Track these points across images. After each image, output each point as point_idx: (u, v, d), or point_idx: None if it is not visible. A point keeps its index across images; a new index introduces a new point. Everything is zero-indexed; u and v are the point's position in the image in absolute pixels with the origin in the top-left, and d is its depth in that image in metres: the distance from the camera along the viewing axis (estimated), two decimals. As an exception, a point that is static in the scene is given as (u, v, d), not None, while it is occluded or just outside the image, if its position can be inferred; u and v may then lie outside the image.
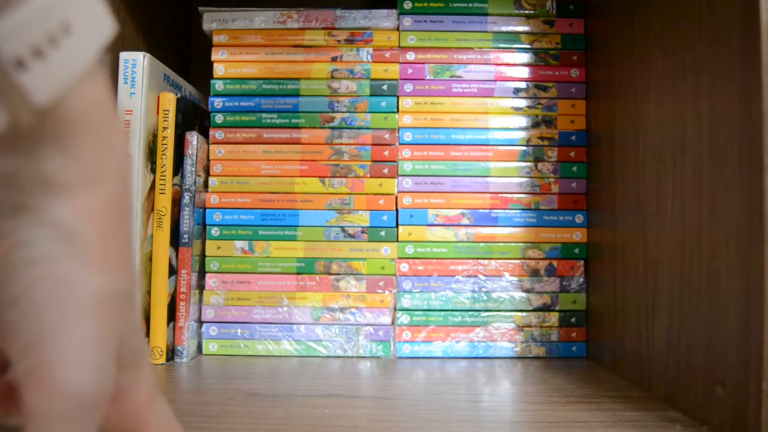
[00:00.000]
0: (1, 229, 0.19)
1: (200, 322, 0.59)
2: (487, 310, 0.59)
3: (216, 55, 0.61)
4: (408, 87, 0.61)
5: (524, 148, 0.60)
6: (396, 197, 0.60)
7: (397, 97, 0.61)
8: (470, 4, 0.61)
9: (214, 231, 0.59)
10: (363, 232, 0.59)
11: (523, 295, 0.59)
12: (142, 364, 0.23)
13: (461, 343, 0.58)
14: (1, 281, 0.19)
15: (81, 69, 0.20)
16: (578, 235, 0.60)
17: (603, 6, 0.57)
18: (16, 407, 0.24)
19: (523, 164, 0.60)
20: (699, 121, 0.39)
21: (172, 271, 0.54)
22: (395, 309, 0.59)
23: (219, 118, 0.60)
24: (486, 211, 0.60)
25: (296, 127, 0.60)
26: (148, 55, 0.53)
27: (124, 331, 0.22)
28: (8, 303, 0.19)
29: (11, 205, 0.19)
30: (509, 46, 0.61)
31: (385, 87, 0.61)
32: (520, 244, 0.60)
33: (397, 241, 0.60)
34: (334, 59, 0.61)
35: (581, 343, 0.59)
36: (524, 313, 0.59)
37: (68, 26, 0.19)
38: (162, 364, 0.53)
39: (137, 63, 0.53)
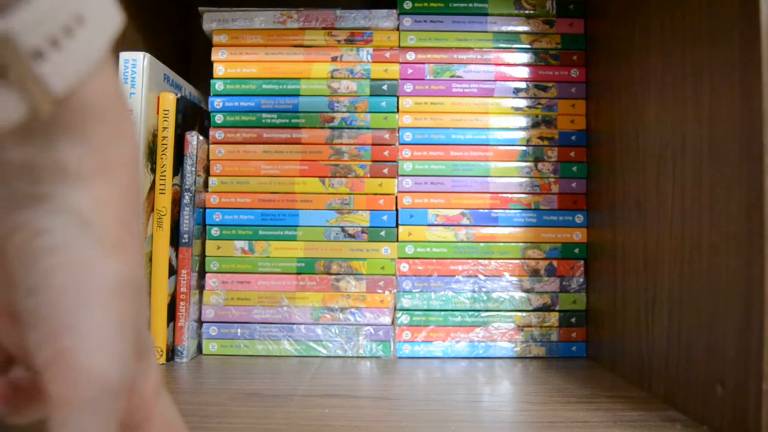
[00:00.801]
0: (20, 220, 0.20)
1: (200, 322, 0.59)
2: (487, 310, 0.59)
3: (216, 55, 0.61)
4: (408, 87, 0.61)
5: (524, 148, 0.60)
6: (396, 197, 0.60)
7: (397, 97, 0.61)
8: (470, 4, 0.61)
9: (214, 231, 0.59)
10: (363, 232, 0.59)
11: (523, 295, 0.59)
12: (150, 356, 0.23)
13: (461, 343, 0.58)
14: (21, 270, 0.20)
15: (95, 58, 0.20)
16: (578, 235, 0.60)
17: (603, 6, 0.57)
18: (21, 406, 0.24)
19: (523, 164, 0.60)
20: (699, 121, 0.39)
21: (172, 271, 0.54)
22: (395, 309, 0.59)
23: (219, 118, 0.60)
24: (486, 211, 0.60)
25: (296, 127, 0.60)
26: (148, 55, 0.53)
27: (137, 318, 0.22)
28: (28, 291, 0.19)
29: (29, 195, 0.20)
30: (509, 46, 0.61)
31: (385, 87, 0.61)
32: (520, 244, 0.60)
33: (397, 241, 0.60)
34: (334, 59, 0.61)
35: (581, 343, 0.59)
36: (524, 313, 0.59)
37: (81, 17, 0.20)
38: (162, 364, 0.53)
39: (137, 63, 0.53)
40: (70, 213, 0.20)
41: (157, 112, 0.55)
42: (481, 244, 0.59)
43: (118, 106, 0.22)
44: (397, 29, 0.61)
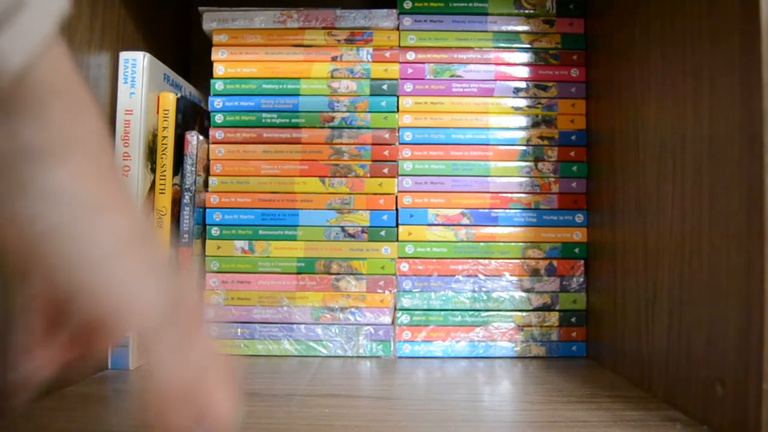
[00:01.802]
0: (10, 211, 0.21)
1: (200, 321, 0.59)
2: (487, 310, 0.59)
3: (216, 54, 0.61)
4: (408, 86, 0.61)
5: (524, 147, 0.60)
6: (396, 197, 0.60)
7: (397, 97, 0.61)
8: (470, 4, 0.61)
9: (214, 231, 0.59)
10: (363, 231, 0.59)
11: (523, 294, 0.59)
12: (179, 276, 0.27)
13: (461, 342, 0.58)
14: (35, 257, 0.21)
15: (45, 35, 0.20)
16: (578, 235, 0.60)
17: (603, 6, 0.57)
18: (81, 349, 0.25)
19: (523, 164, 0.60)
20: (699, 121, 0.39)
21: (172, 270, 0.54)
22: (395, 309, 0.59)
23: (219, 118, 0.60)
24: (486, 210, 0.60)
25: (296, 126, 0.60)
26: (148, 54, 0.53)
27: (156, 257, 0.24)
28: (51, 271, 0.21)
29: (8, 185, 0.20)
30: (509, 45, 0.61)
31: (385, 87, 0.61)
32: (520, 243, 0.60)
33: (397, 240, 0.60)
34: (334, 59, 0.61)
35: (581, 343, 0.59)
36: (524, 313, 0.59)
37: (22, 1, 0.20)
38: (162, 363, 0.53)
39: (137, 63, 0.53)
40: (52, 194, 0.21)
41: (157, 112, 0.54)
42: (481, 244, 0.59)
43: (72, 82, 0.23)
44: (397, 29, 0.61)
